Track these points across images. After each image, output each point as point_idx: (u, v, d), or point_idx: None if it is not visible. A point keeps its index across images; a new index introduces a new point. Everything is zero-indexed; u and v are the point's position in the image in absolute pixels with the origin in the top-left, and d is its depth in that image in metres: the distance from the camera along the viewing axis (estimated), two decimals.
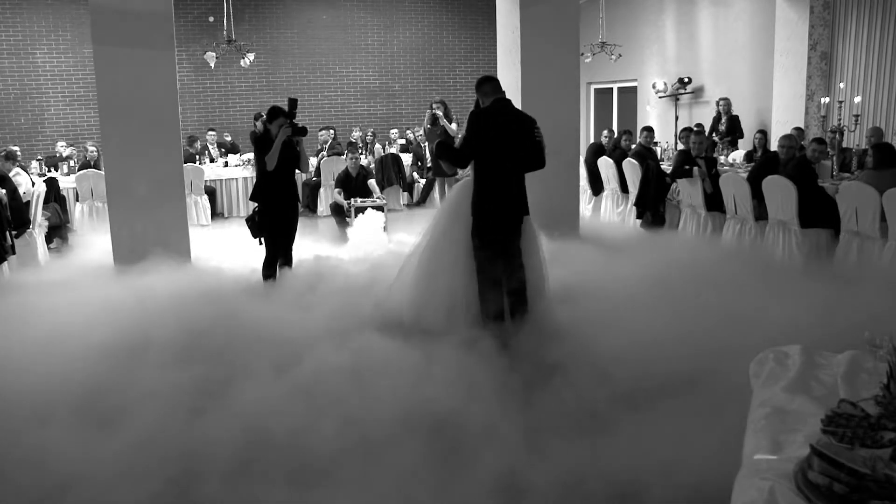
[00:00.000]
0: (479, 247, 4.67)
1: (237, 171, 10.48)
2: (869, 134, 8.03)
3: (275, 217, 5.81)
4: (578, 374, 3.93)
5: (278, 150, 5.62)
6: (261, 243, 5.90)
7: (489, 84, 4.78)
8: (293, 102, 5.78)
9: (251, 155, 9.74)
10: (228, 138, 12.05)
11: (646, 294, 5.20)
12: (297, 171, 6.05)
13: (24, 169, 8.67)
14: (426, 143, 10.35)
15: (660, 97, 12.22)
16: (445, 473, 3.03)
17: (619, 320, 4.65)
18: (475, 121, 4.68)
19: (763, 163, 7.32)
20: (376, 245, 7.34)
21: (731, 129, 10.39)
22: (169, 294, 5.54)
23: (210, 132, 11.61)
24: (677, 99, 11.71)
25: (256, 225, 5.84)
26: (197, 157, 10.69)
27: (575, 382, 3.84)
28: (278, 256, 5.91)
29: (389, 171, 10.53)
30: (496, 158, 4.61)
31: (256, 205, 5.88)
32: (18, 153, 8.68)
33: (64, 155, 10.37)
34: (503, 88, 4.83)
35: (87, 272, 6.78)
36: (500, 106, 4.69)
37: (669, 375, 3.80)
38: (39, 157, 10.24)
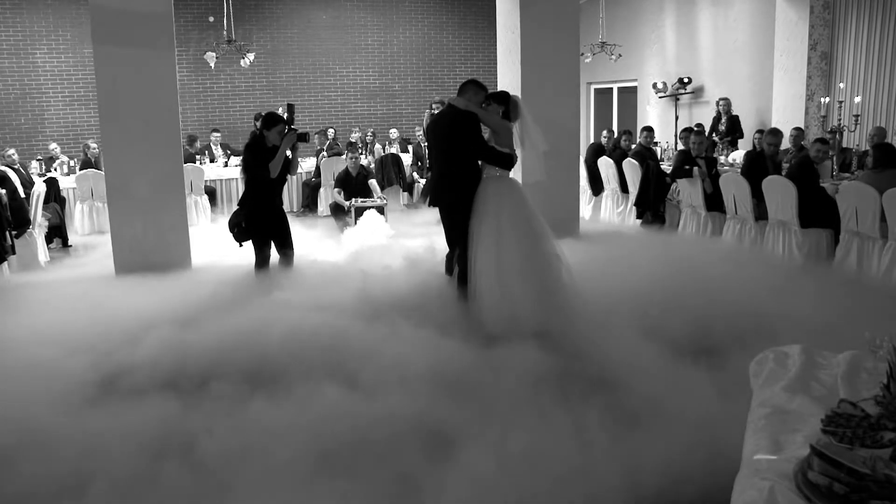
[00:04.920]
0: None
1: (237, 171, 10.48)
2: (872, 132, 8.03)
3: (267, 223, 5.78)
4: None
5: (283, 157, 5.59)
6: (241, 246, 5.86)
7: (462, 88, 5.23)
8: (292, 108, 5.76)
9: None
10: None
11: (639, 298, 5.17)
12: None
13: (23, 169, 8.67)
14: (426, 143, 10.35)
15: (660, 97, 12.22)
16: None
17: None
18: None
19: (749, 162, 7.29)
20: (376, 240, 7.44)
21: (731, 129, 10.38)
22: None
23: (214, 133, 11.61)
24: (677, 99, 11.71)
25: (243, 231, 5.77)
26: (197, 157, 10.68)
27: None
28: (269, 259, 5.89)
29: (389, 171, 10.52)
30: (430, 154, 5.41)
31: (238, 209, 5.80)
32: (12, 154, 8.65)
33: (54, 158, 10.28)
34: (473, 91, 5.16)
35: (86, 273, 6.81)
36: (442, 110, 5.30)
37: None
38: (39, 157, 10.23)
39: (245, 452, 3.16)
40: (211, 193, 10.22)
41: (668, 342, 4.29)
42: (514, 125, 5.21)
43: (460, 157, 5.08)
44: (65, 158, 10.27)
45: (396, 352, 4.18)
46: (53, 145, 10.67)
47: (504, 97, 5.26)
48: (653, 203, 8.26)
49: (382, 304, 5.00)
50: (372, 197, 8.71)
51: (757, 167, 7.06)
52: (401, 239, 7.47)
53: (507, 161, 5.08)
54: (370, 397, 3.66)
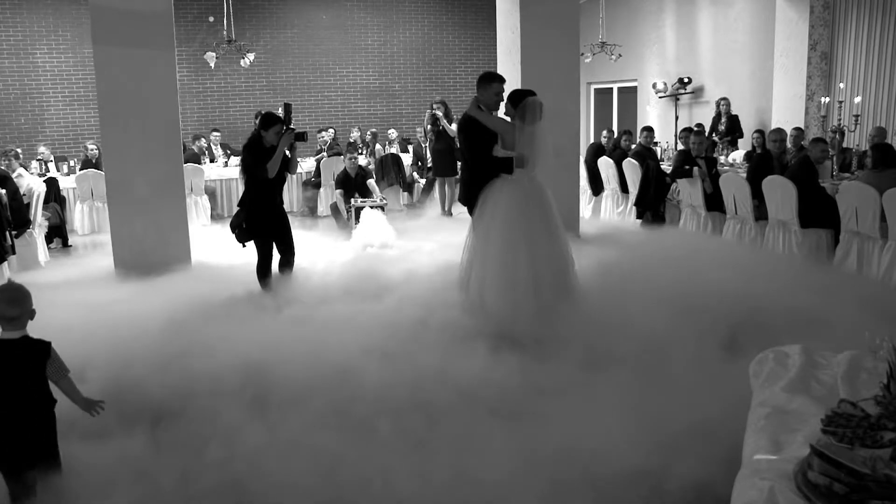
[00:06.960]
0: None
1: (237, 171, 10.44)
2: (872, 133, 8.03)
3: (268, 223, 5.77)
4: None
5: (280, 157, 5.59)
6: (244, 246, 5.86)
7: (477, 83, 5.30)
8: (289, 108, 5.77)
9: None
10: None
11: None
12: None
13: (25, 168, 8.67)
14: (426, 144, 10.35)
15: (660, 97, 12.22)
16: None
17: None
18: None
19: (758, 163, 7.30)
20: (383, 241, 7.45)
21: (731, 129, 10.39)
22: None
23: (214, 133, 11.60)
24: (677, 99, 11.70)
25: (244, 231, 5.75)
26: (201, 156, 10.66)
27: None
28: (271, 259, 5.88)
29: (389, 171, 10.51)
30: None
31: (239, 210, 5.79)
32: (20, 154, 8.68)
33: (45, 161, 10.23)
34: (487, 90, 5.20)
35: (86, 273, 6.80)
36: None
37: None
38: (39, 158, 10.22)
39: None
40: (211, 193, 10.21)
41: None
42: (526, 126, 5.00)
43: (469, 160, 5.27)
44: (51, 168, 10.17)
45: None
46: (42, 148, 10.56)
47: (517, 98, 5.08)
48: (653, 203, 8.26)
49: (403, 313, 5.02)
50: (372, 197, 8.72)
51: (764, 169, 7.01)
52: (404, 240, 7.45)
53: (508, 166, 5.04)
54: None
